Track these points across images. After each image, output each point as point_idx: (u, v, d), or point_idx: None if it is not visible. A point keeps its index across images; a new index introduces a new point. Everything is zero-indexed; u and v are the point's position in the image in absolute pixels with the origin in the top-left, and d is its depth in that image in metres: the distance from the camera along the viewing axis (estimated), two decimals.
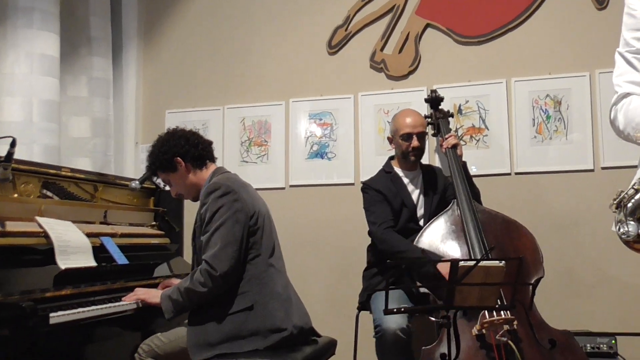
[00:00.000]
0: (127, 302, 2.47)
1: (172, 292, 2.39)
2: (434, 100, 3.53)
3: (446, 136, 3.29)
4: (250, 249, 2.41)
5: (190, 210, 3.42)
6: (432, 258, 2.80)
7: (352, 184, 3.95)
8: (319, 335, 2.58)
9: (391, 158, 3.33)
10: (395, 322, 2.70)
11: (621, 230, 1.67)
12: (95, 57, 4.21)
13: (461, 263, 2.05)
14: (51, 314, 2.11)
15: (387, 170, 3.25)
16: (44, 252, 2.45)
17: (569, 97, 3.62)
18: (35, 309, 2.06)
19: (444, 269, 2.67)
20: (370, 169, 3.57)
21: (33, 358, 2.12)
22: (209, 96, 4.38)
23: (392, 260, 2.93)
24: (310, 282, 3.97)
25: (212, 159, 2.68)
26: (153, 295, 2.49)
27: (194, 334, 2.35)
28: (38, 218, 2.56)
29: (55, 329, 2.12)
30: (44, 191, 2.76)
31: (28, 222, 2.53)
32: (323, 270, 4.01)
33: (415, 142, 3.15)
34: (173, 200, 3.37)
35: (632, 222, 1.66)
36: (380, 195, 3.13)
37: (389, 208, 3.10)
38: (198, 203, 2.52)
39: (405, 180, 3.21)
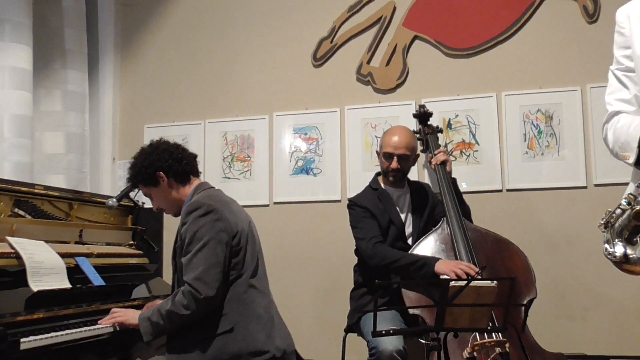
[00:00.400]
0: (104, 325, 2.44)
1: (151, 314, 2.37)
2: (422, 116, 3.56)
3: (435, 152, 3.32)
4: (232, 269, 2.40)
5: (170, 228, 3.40)
6: (429, 260, 2.83)
7: (339, 201, 3.97)
8: (302, 359, 2.57)
9: (378, 174, 3.34)
10: (391, 344, 2.69)
11: (608, 250, 1.69)
12: (70, 70, 4.20)
13: (452, 283, 2.06)
14: (22, 339, 2.08)
15: (374, 187, 3.26)
16: (15, 274, 2.42)
17: (560, 111, 3.67)
18: (5, 333, 2.03)
19: (442, 269, 2.70)
20: (358, 185, 3.59)
21: None
22: (190, 110, 4.39)
23: (387, 273, 2.93)
24: (296, 302, 3.96)
25: (196, 174, 2.68)
26: (131, 317, 2.46)
27: (174, 357, 2.33)
28: (9, 238, 2.53)
29: (26, 355, 2.09)
30: (16, 210, 2.73)
31: None
32: (309, 290, 4.00)
33: (394, 164, 3.14)
34: (152, 218, 3.37)
35: (619, 243, 1.67)
36: (368, 212, 3.13)
37: (376, 224, 3.11)
38: (178, 221, 2.52)
39: (393, 197, 3.21)
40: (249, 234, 2.51)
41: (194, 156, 2.71)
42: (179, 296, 2.32)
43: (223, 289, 2.35)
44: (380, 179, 3.28)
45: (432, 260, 2.83)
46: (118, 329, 2.47)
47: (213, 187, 2.66)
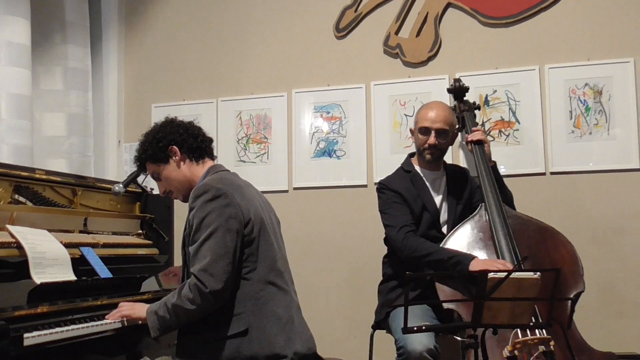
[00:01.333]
0: (111, 321, 2.48)
1: (158, 307, 2.39)
2: (457, 91, 3.54)
3: (472, 130, 3.31)
4: (244, 261, 2.40)
5: (181, 216, 3.41)
6: (463, 258, 2.81)
7: (365, 186, 3.97)
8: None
9: (411, 155, 3.33)
10: (420, 343, 2.68)
11: None
12: (71, 45, 4.23)
13: (490, 274, 2.06)
14: (25, 335, 2.10)
15: (406, 168, 3.25)
16: (17, 265, 2.45)
17: (610, 86, 3.63)
18: (6, 328, 2.06)
19: (478, 268, 2.69)
20: (385, 168, 3.58)
21: None
22: (201, 88, 4.41)
23: (419, 266, 2.93)
24: (318, 298, 3.99)
25: (211, 156, 2.70)
26: (139, 310, 2.49)
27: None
28: (9, 227, 2.56)
29: (29, 351, 2.11)
30: (16, 196, 2.77)
31: None
32: (333, 284, 4.02)
33: (432, 139, 3.13)
34: (162, 205, 3.40)
35: None
36: (399, 196, 3.13)
37: (408, 210, 3.11)
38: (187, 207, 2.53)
39: (427, 181, 3.21)
40: (265, 222, 2.49)
41: (210, 139, 2.73)
42: (185, 289, 2.33)
43: (234, 283, 2.35)
44: (413, 160, 3.27)
45: (467, 258, 2.82)
46: (126, 324, 2.50)
47: (228, 170, 2.67)
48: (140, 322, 2.48)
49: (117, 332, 2.49)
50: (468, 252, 2.89)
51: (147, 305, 2.47)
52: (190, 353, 2.37)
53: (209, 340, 2.34)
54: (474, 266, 2.75)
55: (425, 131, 3.15)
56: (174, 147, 2.59)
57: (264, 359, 2.30)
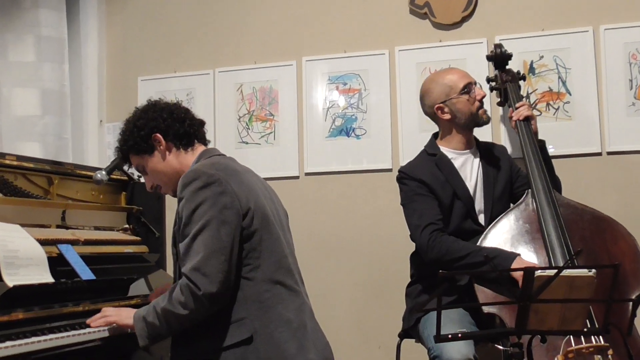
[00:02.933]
0: (96, 330, 2.50)
1: (147, 312, 2.40)
2: (499, 58, 3.52)
3: (517, 105, 3.30)
4: (245, 258, 2.40)
5: (173, 209, 3.44)
6: (503, 260, 2.80)
7: (389, 170, 3.98)
8: None
9: (435, 135, 3.33)
10: (459, 352, 2.69)
11: None
12: (43, 9, 4.24)
13: (538, 272, 2.06)
14: None
15: (430, 151, 3.24)
16: None
17: None
18: None
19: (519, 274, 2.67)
20: (413, 149, 3.58)
21: None
22: (195, 56, 4.42)
23: (450, 269, 2.93)
24: (334, 301, 4.01)
25: (202, 140, 2.71)
26: (125, 316, 2.50)
27: None
28: None
29: None
30: None
31: None
32: (351, 286, 4.04)
33: (481, 91, 3.19)
34: (151, 196, 3.41)
35: None
36: (423, 186, 3.13)
37: (435, 203, 3.10)
38: None
39: (457, 164, 3.20)
40: (269, 213, 2.50)
41: (201, 122, 2.73)
42: (176, 291, 2.33)
43: (234, 283, 2.36)
44: (439, 141, 3.26)
45: (508, 258, 2.81)
46: (110, 333, 2.52)
47: (223, 155, 2.68)
48: (129, 330, 2.49)
49: (103, 342, 2.51)
50: (511, 249, 2.89)
51: (135, 311, 2.48)
52: None
53: (207, 351, 2.35)
54: (516, 265, 2.75)
55: (469, 88, 3.17)
56: (157, 135, 2.60)
57: None
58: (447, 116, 3.19)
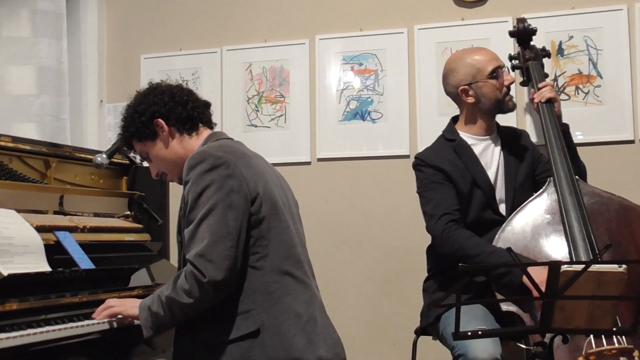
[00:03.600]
0: (95, 322, 2.51)
1: (152, 301, 2.42)
2: (522, 33, 3.50)
3: (539, 86, 3.28)
4: (252, 246, 2.41)
5: (178, 195, 3.46)
6: (515, 269, 2.79)
7: (407, 157, 3.98)
8: None
9: (455, 120, 3.32)
10: (485, 351, 2.68)
11: None
12: None
13: (564, 267, 2.06)
14: None
15: (449, 136, 3.24)
16: None
17: None
18: None
19: (536, 277, 2.66)
20: (432, 134, 3.55)
21: None
22: (202, 34, 4.42)
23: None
24: (346, 294, 4.02)
25: (208, 124, 2.72)
26: (130, 307, 2.51)
27: None
28: None
29: None
30: None
31: None
32: (363, 278, 4.05)
33: (509, 76, 3.18)
34: (154, 181, 3.41)
35: None
36: (440, 174, 3.13)
37: (453, 192, 3.10)
38: None
39: (477, 150, 3.19)
40: (279, 199, 2.51)
41: (206, 104, 2.74)
42: (180, 279, 2.34)
43: (241, 272, 2.37)
44: (458, 126, 3.26)
45: (517, 275, 2.79)
46: (115, 325, 2.53)
47: (231, 138, 2.69)
48: (135, 322, 2.50)
49: (102, 335, 2.53)
50: (532, 242, 2.89)
51: (140, 301, 2.49)
52: (189, 359, 2.40)
53: (211, 344, 2.36)
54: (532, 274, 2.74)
55: (497, 73, 3.15)
56: (159, 120, 2.61)
57: None
58: (470, 100, 3.17)
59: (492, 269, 2.86)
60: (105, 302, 2.58)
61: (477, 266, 2.95)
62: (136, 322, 2.50)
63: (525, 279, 2.69)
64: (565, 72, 3.78)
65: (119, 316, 2.54)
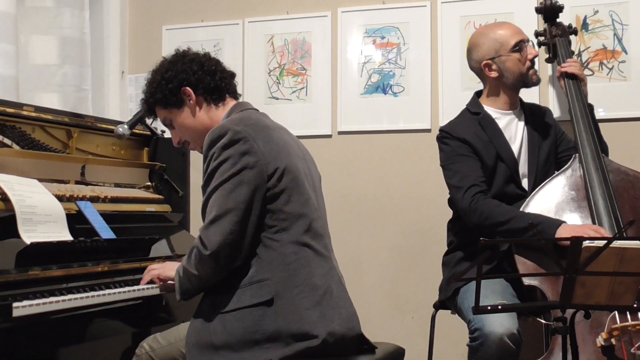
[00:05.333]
0: (118, 291, 2.54)
1: (180, 267, 2.48)
2: (549, 10, 3.47)
3: (567, 60, 3.27)
4: (269, 219, 2.42)
5: (198, 166, 3.46)
6: (547, 227, 2.78)
7: (428, 130, 3.97)
8: (372, 345, 2.59)
9: (478, 94, 3.31)
10: (502, 326, 2.68)
11: None
12: None
13: (586, 243, 2.05)
14: (14, 304, 2.16)
15: (473, 110, 3.23)
16: (2, 221, 2.52)
17: None
18: None
19: (566, 235, 2.64)
20: (454, 108, 3.54)
21: None
22: (223, 5, 4.41)
23: (491, 234, 2.92)
24: (365, 268, 4.03)
25: (234, 95, 2.71)
26: (169, 268, 2.63)
27: (194, 331, 2.41)
28: None
29: (19, 323, 2.18)
30: (0, 137, 2.82)
31: None
32: (383, 252, 4.05)
33: (533, 50, 3.16)
34: (175, 152, 3.44)
35: None
36: (466, 146, 3.12)
37: (478, 164, 3.09)
38: None
39: (501, 124, 3.18)
40: (301, 173, 2.51)
41: (232, 74, 2.74)
42: (193, 251, 2.39)
43: (258, 242, 2.39)
44: (482, 100, 3.24)
45: (552, 225, 2.80)
46: (155, 290, 2.66)
47: (255, 109, 2.69)
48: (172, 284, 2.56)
49: (123, 304, 2.56)
50: (556, 217, 2.88)
51: (178, 264, 2.53)
52: (203, 320, 2.42)
53: (226, 309, 2.38)
54: (561, 233, 2.74)
55: (520, 47, 3.13)
56: (187, 88, 2.60)
57: (289, 337, 2.32)
58: (494, 74, 3.16)
59: (517, 241, 2.85)
60: (147, 268, 2.71)
61: (499, 240, 2.95)
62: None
63: (558, 234, 2.72)
64: (589, 47, 3.74)
65: (159, 277, 2.67)
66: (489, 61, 3.16)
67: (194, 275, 2.38)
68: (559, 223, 2.80)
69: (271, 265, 2.39)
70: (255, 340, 2.32)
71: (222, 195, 2.35)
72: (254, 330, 2.33)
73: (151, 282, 2.68)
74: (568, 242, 2.11)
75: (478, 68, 3.22)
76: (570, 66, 3.22)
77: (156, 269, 2.66)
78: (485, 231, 2.91)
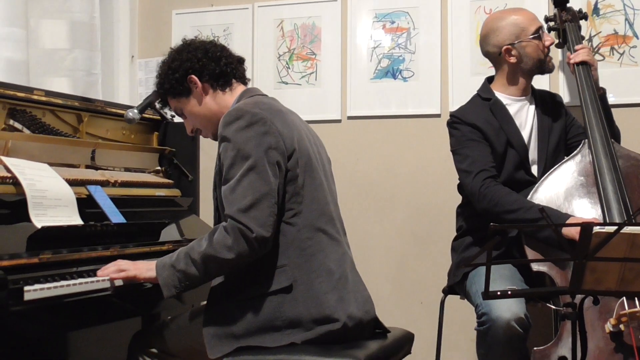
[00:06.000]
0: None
1: (175, 260, 2.39)
2: None
3: (576, 48, 3.25)
4: (287, 202, 2.42)
5: (209, 151, 3.48)
6: (555, 220, 2.77)
7: (438, 115, 3.96)
8: (385, 329, 2.61)
9: (489, 80, 3.30)
10: (509, 310, 2.69)
11: None
12: None
13: (596, 229, 2.04)
14: (25, 288, 2.16)
15: (484, 96, 3.22)
16: (13, 205, 2.53)
17: None
18: (4, 279, 2.12)
19: (574, 233, 2.65)
20: (464, 94, 3.56)
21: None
22: None
23: (497, 222, 2.91)
24: (374, 252, 4.04)
25: (242, 80, 2.71)
26: (144, 269, 2.46)
27: (211, 321, 2.41)
28: (4, 158, 2.62)
29: (30, 306, 2.18)
30: (11, 122, 2.83)
31: None
32: (392, 237, 4.06)
33: (549, 37, 3.16)
34: (185, 137, 3.42)
35: None
36: (476, 132, 3.12)
37: (488, 150, 3.10)
38: None
39: (512, 110, 3.18)
40: (313, 156, 2.52)
41: (240, 59, 2.74)
42: (219, 235, 2.33)
43: (276, 228, 2.39)
44: (493, 85, 3.24)
45: (560, 218, 2.80)
46: (122, 282, 2.49)
47: (265, 95, 2.69)
48: (149, 283, 2.48)
49: (133, 289, 2.55)
50: (565, 203, 2.89)
51: (153, 262, 2.46)
52: (220, 313, 2.41)
53: (244, 297, 2.38)
54: (569, 230, 2.74)
55: (539, 33, 3.14)
56: (193, 76, 2.61)
57: (311, 322, 2.34)
58: (513, 59, 3.15)
59: (527, 226, 2.85)
60: (114, 261, 2.53)
61: (509, 225, 2.95)
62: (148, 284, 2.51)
63: (565, 231, 2.70)
64: (600, 32, 3.72)
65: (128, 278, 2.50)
66: (509, 46, 3.15)
67: (223, 261, 2.31)
68: (567, 217, 2.80)
69: (287, 252, 2.40)
70: (275, 326, 2.34)
71: (256, 179, 2.33)
72: (274, 317, 2.34)
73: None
74: (577, 232, 2.11)
75: (496, 53, 3.19)
76: (578, 55, 3.21)
77: (130, 270, 2.47)
78: (492, 217, 2.91)
